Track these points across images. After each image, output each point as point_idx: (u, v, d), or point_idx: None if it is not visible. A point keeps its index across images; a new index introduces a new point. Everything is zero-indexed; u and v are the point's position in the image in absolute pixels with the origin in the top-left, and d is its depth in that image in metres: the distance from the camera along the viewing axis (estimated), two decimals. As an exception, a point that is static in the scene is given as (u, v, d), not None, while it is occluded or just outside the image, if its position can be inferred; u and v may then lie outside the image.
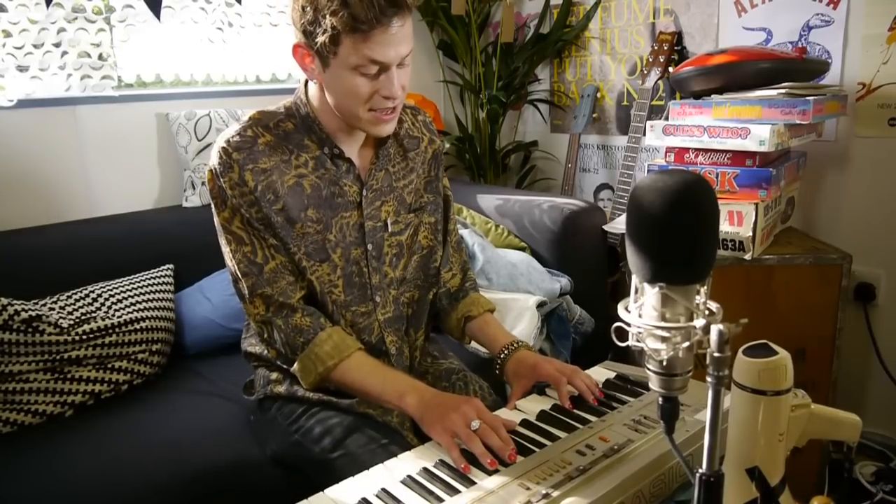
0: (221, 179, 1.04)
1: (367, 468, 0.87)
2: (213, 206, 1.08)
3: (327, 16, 0.93)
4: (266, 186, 1.05)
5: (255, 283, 1.07)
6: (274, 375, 1.21)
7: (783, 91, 1.51)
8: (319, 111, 1.09)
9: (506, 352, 1.16)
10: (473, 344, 1.32)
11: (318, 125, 1.09)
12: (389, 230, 1.16)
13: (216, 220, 1.09)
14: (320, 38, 0.95)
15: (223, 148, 1.04)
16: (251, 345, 1.24)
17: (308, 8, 0.95)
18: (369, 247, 1.14)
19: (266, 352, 1.17)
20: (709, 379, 0.55)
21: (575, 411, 0.98)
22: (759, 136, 1.45)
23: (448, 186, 1.29)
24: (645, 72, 2.06)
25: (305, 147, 1.09)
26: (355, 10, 0.92)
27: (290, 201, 1.07)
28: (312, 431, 1.12)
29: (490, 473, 0.83)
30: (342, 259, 1.12)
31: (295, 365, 1.08)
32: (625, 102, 2.35)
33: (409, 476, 0.84)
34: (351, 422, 1.10)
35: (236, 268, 1.08)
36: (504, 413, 1.00)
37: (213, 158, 1.05)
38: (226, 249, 1.09)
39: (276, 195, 1.06)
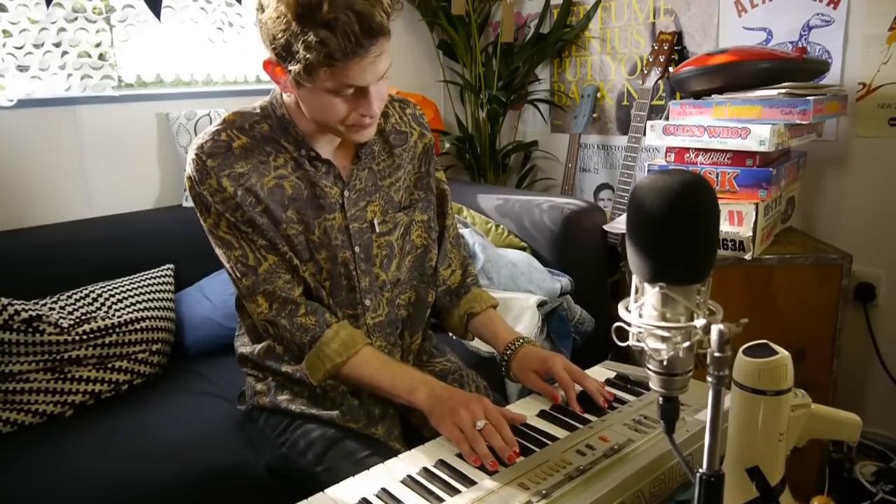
0: (200, 187, 1.01)
1: None
2: (197, 213, 1.05)
3: (301, 49, 0.88)
4: (245, 190, 1.02)
5: (255, 283, 1.05)
6: (259, 387, 1.19)
7: (783, 91, 1.51)
8: (294, 112, 1.05)
9: (510, 350, 1.13)
10: (474, 342, 1.30)
11: (294, 127, 1.05)
12: (377, 231, 1.12)
13: (203, 226, 1.06)
14: (294, 67, 0.90)
15: (196, 155, 1.01)
16: (242, 344, 1.22)
17: (280, 36, 0.89)
18: (357, 249, 1.10)
19: (256, 351, 1.17)
20: (709, 379, 0.55)
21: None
22: (760, 136, 1.45)
23: (444, 181, 1.24)
24: (645, 72, 2.06)
25: (283, 148, 1.06)
26: (331, 48, 0.87)
27: (271, 203, 1.03)
28: (297, 445, 1.11)
29: (490, 473, 0.83)
30: (328, 262, 1.09)
31: (303, 362, 1.08)
32: (625, 102, 2.34)
33: (409, 476, 0.84)
34: (333, 434, 1.09)
35: (233, 270, 1.07)
36: (516, 407, 1.00)
37: (189, 167, 1.02)
38: (219, 252, 1.08)
39: (257, 198, 1.03)
